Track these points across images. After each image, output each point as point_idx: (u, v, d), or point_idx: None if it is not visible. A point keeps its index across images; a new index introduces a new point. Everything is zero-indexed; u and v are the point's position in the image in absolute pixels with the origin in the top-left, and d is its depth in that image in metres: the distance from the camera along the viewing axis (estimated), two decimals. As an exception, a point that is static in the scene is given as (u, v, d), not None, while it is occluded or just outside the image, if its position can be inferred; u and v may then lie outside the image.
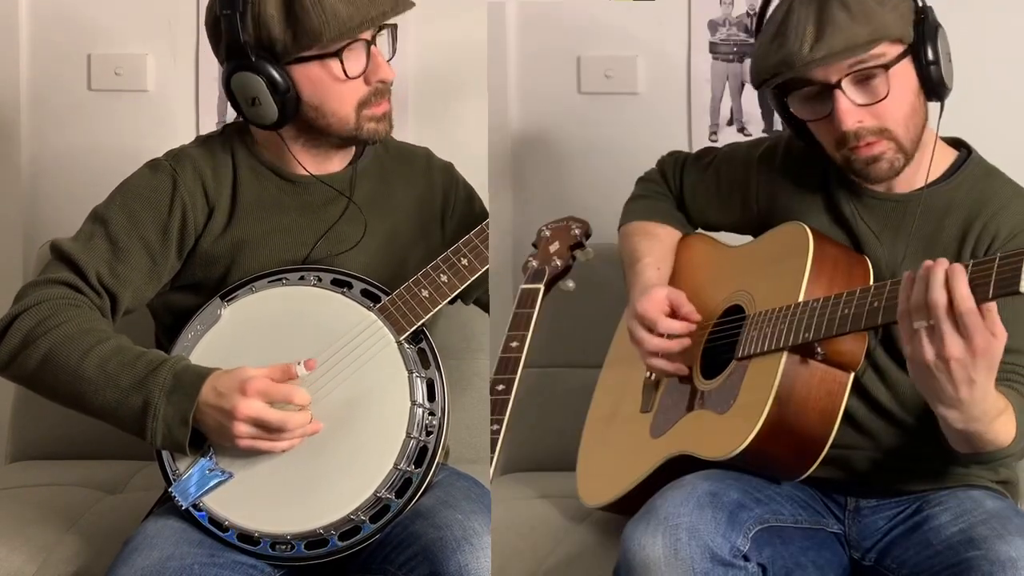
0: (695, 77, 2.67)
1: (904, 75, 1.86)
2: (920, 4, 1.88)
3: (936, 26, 1.88)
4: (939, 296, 1.60)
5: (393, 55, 1.99)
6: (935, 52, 1.86)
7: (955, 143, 2.00)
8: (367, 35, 1.92)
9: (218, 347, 1.90)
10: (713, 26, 2.66)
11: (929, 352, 1.62)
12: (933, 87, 1.87)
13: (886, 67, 1.83)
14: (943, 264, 1.61)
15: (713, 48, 2.66)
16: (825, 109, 1.86)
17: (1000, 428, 1.71)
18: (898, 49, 1.85)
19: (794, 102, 1.91)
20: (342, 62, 1.91)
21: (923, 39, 1.86)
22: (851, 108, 1.84)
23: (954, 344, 1.60)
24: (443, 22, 2.64)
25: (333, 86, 1.93)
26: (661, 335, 2.01)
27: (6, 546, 2.03)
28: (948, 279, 1.60)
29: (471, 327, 2.44)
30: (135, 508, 2.06)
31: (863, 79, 1.84)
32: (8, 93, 2.71)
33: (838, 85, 1.84)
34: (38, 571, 2.00)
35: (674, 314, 2.03)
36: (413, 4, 1.96)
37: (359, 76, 1.93)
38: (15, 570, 2.00)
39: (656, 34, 2.68)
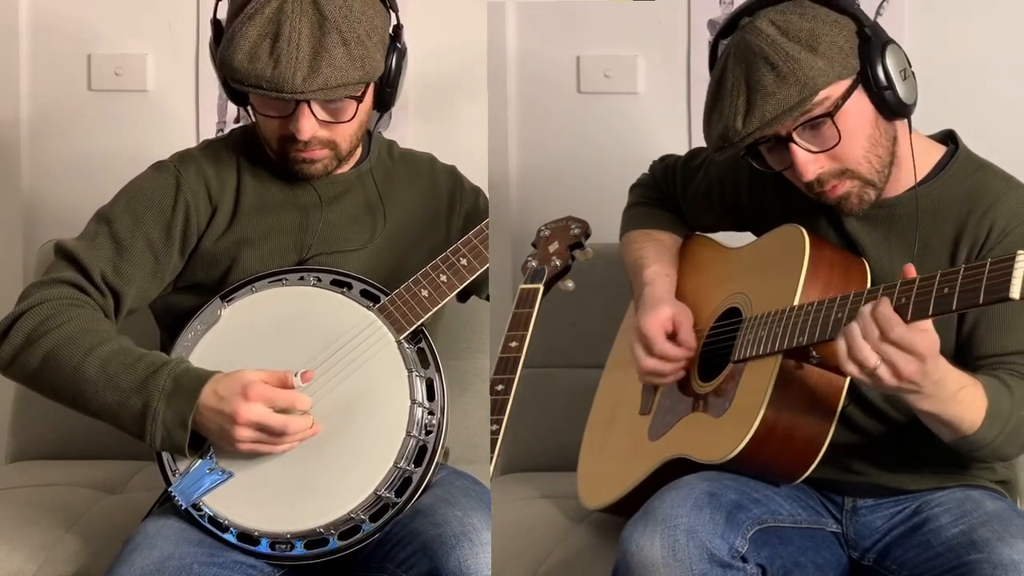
0: (695, 77, 2.67)
1: (856, 110, 1.82)
2: (864, 26, 1.82)
3: (883, 45, 1.82)
4: (873, 332, 1.65)
5: (350, 119, 1.93)
6: (886, 75, 1.81)
7: (943, 137, 1.98)
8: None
9: (218, 347, 1.90)
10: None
11: (890, 379, 1.66)
12: (892, 111, 1.83)
13: (830, 115, 1.79)
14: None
15: (713, 48, 2.66)
16: (788, 158, 1.84)
17: (965, 400, 1.73)
18: (843, 87, 1.80)
19: (762, 153, 1.89)
20: (250, 100, 1.93)
21: (871, 66, 1.80)
22: (808, 158, 1.82)
23: (905, 362, 1.64)
24: (443, 22, 2.64)
25: (258, 115, 1.95)
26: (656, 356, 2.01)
27: (6, 546, 2.03)
28: (873, 313, 1.65)
29: (471, 327, 2.44)
30: (135, 508, 2.06)
31: (813, 126, 1.81)
32: (9, 93, 2.71)
33: (790, 138, 1.82)
34: (38, 571, 2.00)
35: (674, 334, 2.02)
36: (301, 97, 1.86)
37: (274, 118, 1.93)
38: (15, 570, 2.00)
39: (656, 34, 2.68)
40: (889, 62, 1.81)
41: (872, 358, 1.65)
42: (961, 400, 1.74)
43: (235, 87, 1.90)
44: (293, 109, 1.89)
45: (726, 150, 1.85)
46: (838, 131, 1.81)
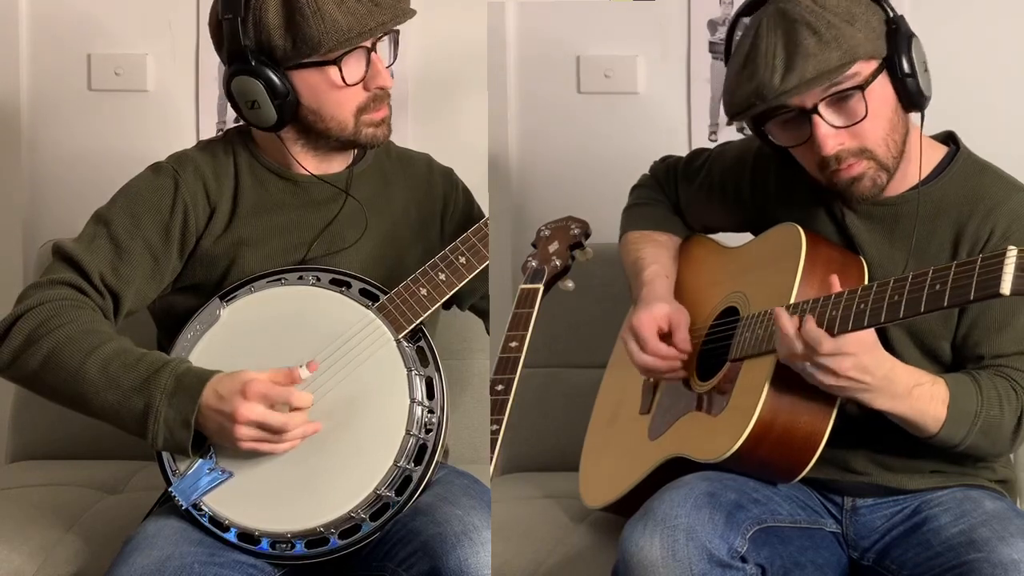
0: (695, 77, 2.67)
1: (881, 92, 1.83)
2: (890, 15, 1.84)
3: (909, 36, 1.84)
4: (798, 346, 1.74)
5: (394, 60, 2.00)
6: (910, 64, 1.83)
7: (944, 138, 1.98)
8: (367, 42, 1.93)
9: (217, 347, 1.91)
10: (713, 26, 2.66)
11: (829, 379, 1.74)
12: (911, 100, 1.85)
13: (861, 87, 1.80)
14: (782, 314, 1.77)
15: (713, 48, 2.66)
16: (804, 134, 1.83)
17: (923, 397, 1.78)
18: (872, 66, 1.82)
19: (772, 129, 1.88)
20: (340, 70, 1.92)
21: (897, 52, 1.82)
22: (830, 132, 1.82)
23: (840, 361, 1.72)
24: (443, 22, 2.64)
25: (331, 92, 1.94)
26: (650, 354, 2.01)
27: (6, 546, 2.03)
28: (800, 327, 1.75)
29: (470, 327, 2.44)
30: (135, 508, 2.07)
31: (839, 100, 1.81)
32: (8, 93, 2.71)
33: (815, 110, 1.81)
34: (38, 571, 2.00)
35: (670, 334, 2.02)
36: (413, 13, 1.96)
37: (358, 83, 1.94)
38: (15, 570, 2.00)
39: (656, 34, 2.68)
40: (914, 52, 1.84)
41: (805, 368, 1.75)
42: (918, 397, 1.78)
43: (342, 47, 1.89)
44: (368, 59, 1.93)
45: (755, 108, 1.82)
46: (866, 106, 1.81)
